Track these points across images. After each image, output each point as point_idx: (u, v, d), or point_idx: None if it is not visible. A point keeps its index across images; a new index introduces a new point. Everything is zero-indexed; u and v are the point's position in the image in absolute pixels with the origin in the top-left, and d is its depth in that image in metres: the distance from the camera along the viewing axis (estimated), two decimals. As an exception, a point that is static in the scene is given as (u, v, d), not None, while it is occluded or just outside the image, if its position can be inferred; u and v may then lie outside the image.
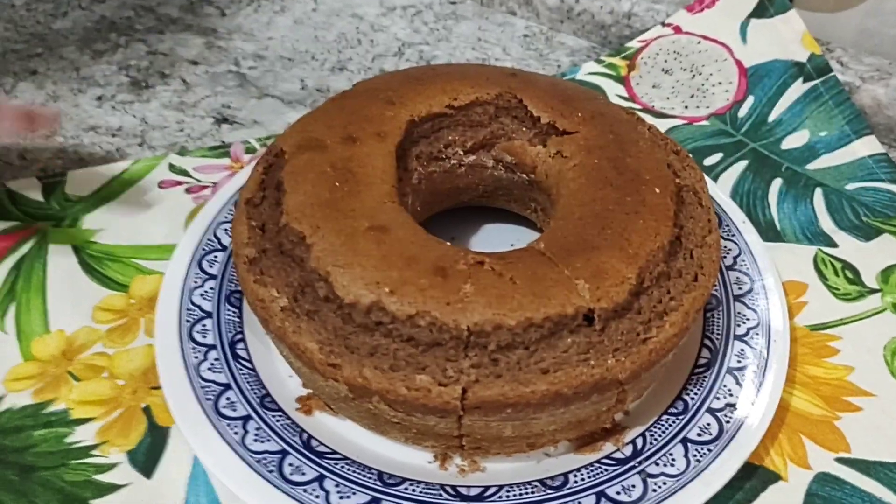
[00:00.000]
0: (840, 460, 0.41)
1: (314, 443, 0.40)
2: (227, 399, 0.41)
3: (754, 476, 0.40)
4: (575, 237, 0.39)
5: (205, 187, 0.55)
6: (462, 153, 0.47)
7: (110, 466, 0.41)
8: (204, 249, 0.48)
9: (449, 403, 0.35)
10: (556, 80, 0.49)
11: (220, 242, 0.48)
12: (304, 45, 0.69)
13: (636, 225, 0.39)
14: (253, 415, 0.41)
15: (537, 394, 0.35)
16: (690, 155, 0.45)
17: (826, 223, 0.51)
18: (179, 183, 0.55)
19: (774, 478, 0.40)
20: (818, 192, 0.53)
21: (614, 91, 0.61)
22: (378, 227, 0.39)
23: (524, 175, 0.47)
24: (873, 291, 0.48)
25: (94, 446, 0.42)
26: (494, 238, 0.51)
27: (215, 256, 0.48)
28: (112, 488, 0.40)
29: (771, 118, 0.58)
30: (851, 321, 0.46)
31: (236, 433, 0.40)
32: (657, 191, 0.41)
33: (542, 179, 0.45)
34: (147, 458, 0.41)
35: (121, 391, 0.44)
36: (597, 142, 0.44)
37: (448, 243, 0.39)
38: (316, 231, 0.38)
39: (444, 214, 0.51)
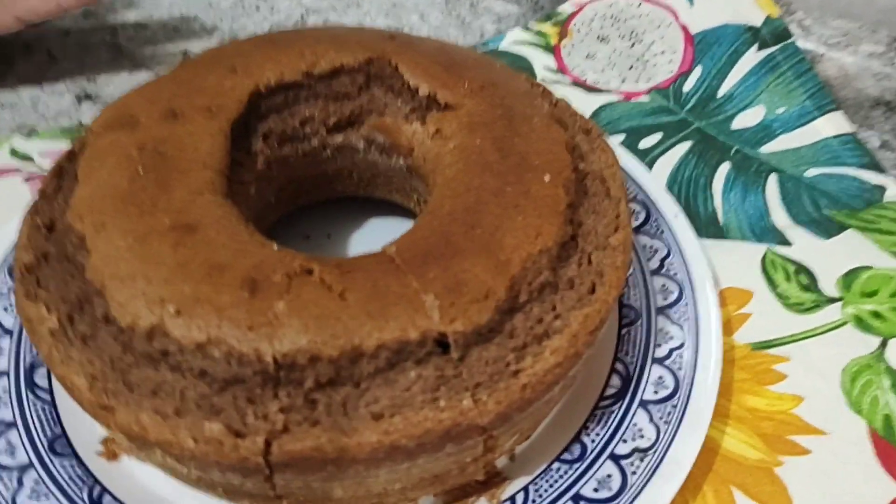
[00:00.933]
0: (779, 519, 0.32)
1: (106, 500, 0.31)
2: (7, 442, 0.33)
3: (668, 541, 0.31)
4: (437, 238, 0.30)
5: (45, 176, 0.46)
6: (325, 132, 0.38)
7: None
8: (16, 251, 0.39)
9: (248, 460, 0.26)
10: (445, 43, 0.40)
11: (38, 243, 0.39)
12: (196, 11, 0.60)
13: (513, 223, 0.30)
14: (35, 462, 0.32)
15: (365, 447, 0.26)
16: (607, 134, 0.37)
17: (779, 217, 0.43)
18: (18, 171, 0.47)
19: (694, 543, 0.31)
20: (772, 179, 0.44)
21: (542, 62, 0.52)
22: (182, 227, 0.30)
23: (401, 159, 0.38)
24: (832, 301, 0.39)
25: None
26: (380, 236, 0.42)
27: (30, 260, 0.39)
28: None
29: (720, 93, 0.49)
30: (803, 338, 0.38)
31: (6, 489, 0.31)
32: (546, 178, 0.32)
33: (419, 164, 0.37)
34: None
35: None
36: (482, 118, 0.35)
37: (275, 246, 0.30)
38: (99, 231, 0.30)
39: (320, 208, 0.42)
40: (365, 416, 0.27)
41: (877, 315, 0.38)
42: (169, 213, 0.31)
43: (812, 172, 0.45)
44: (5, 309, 0.37)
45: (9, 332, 0.37)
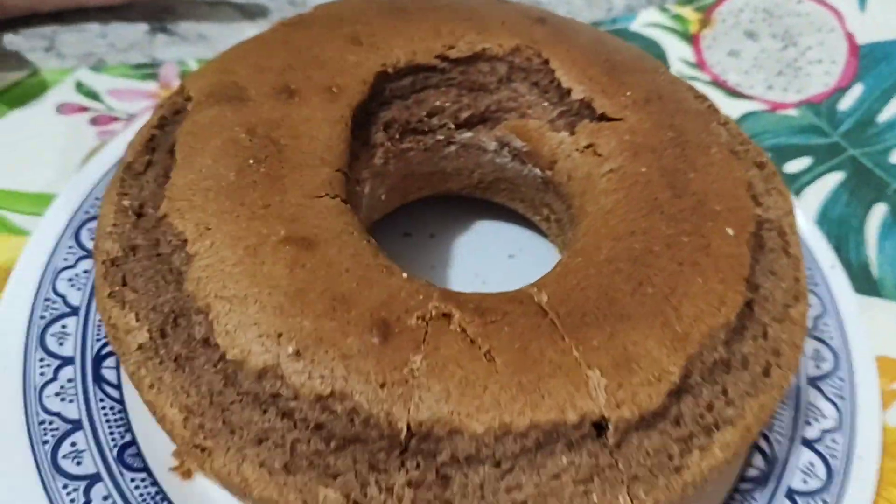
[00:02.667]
0: None
1: (181, 530, 0.28)
2: (73, 445, 0.29)
3: None
4: (597, 292, 0.26)
5: (116, 119, 0.41)
6: (453, 127, 0.33)
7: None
8: (86, 213, 0.35)
9: (364, 539, 0.22)
10: (603, 35, 0.34)
11: (113, 205, 0.35)
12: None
13: (691, 286, 0.26)
14: (104, 473, 0.29)
15: (503, 541, 0.22)
16: (777, 170, 0.31)
17: (942, 276, 0.38)
18: (84, 109, 0.42)
19: None
20: (936, 229, 0.39)
21: (677, 53, 0.46)
22: (299, 240, 0.26)
23: (538, 170, 0.33)
24: None
25: None
26: (487, 242, 0.38)
27: (101, 225, 0.35)
28: None
29: (882, 118, 0.43)
30: (963, 427, 0.33)
31: (73, 501, 0.27)
32: (730, 232, 0.27)
33: (562, 181, 0.32)
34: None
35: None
36: (649, 139, 0.30)
37: (404, 274, 0.26)
38: (203, 234, 0.25)
39: (422, 201, 0.37)
40: (506, 502, 0.23)
41: None
42: (283, 221, 0.26)
43: (982, 226, 0.39)
44: (71, 282, 0.33)
45: (75, 311, 0.32)
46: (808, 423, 0.31)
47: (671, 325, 0.25)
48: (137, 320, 0.25)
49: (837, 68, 0.45)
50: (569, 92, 0.32)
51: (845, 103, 0.44)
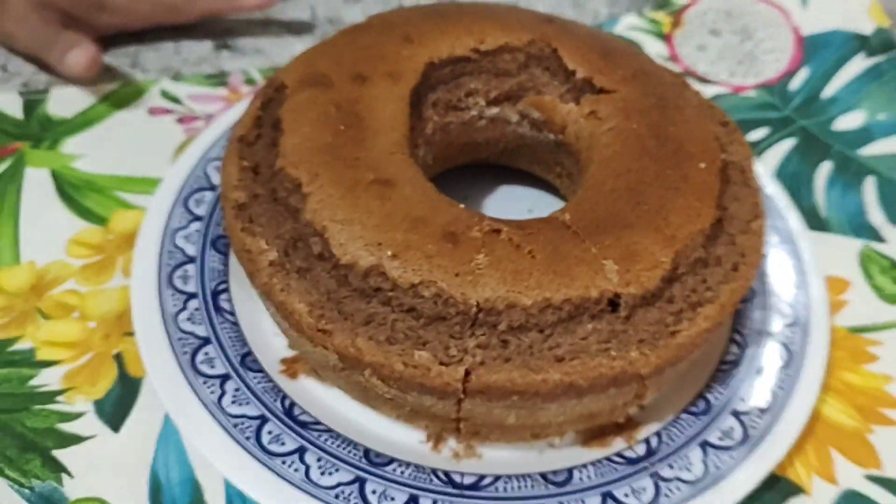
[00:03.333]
0: (870, 478, 0.37)
1: (297, 410, 0.36)
2: (206, 354, 0.37)
3: (775, 488, 0.36)
4: (605, 211, 0.35)
5: (197, 118, 0.50)
6: (484, 104, 0.42)
7: (76, 416, 0.38)
8: (192, 187, 0.44)
9: (450, 385, 0.31)
10: (597, 31, 0.44)
11: (209, 181, 0.44)
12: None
13: (675, 203, 0.35)
14: (232, 374, 0.37)
15: (549, 383, 0.31)
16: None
17: (876, 216, 0.47)
18: (170, 111, 0.50)
19: (796, 491, 0.36)
20: (870, 180, 0.49)
21: (655, 50, 0.56)
22: (383, 181, 0.34)
23: (551, 135, 0.42)
24: (921, 294, 0.43)
25: (60, 392, 0.38)
26: (511, 202, 0.46)
27: (203, 196, 0.43)
28: (76, 439, 0.37)
29: (824, 94, 0.53)
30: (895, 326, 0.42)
31: (213, 392, 0.36)
32: (702, 166, 0.36)
33: (571, 142, 0.41)
34: (115, 409, 0.38)
35: (91, 334, 0.40)
36: (637, 104, 0.39)
37: (461, 205, 0.35)
38: (314, 179, 0.34)
39: (456, 171, 0.46)
40: (549, 358, 0.31)
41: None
42: (369, 169, 0.35)
43: (907, 177, 0.49)
44: (186, 238, 0.42)
45: (192, 259, 0.41)
46: (773, 321, 0.40)
47: (662, 230, 0.34)
48: (267, 244, 0.34)
49: (786, 56, 0.55)
50: (574, 73, 0.41)
51: (794, 84, 0.54)
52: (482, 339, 0.31)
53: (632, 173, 0.36)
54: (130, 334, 0.39)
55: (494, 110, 0.42)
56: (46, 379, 0.39)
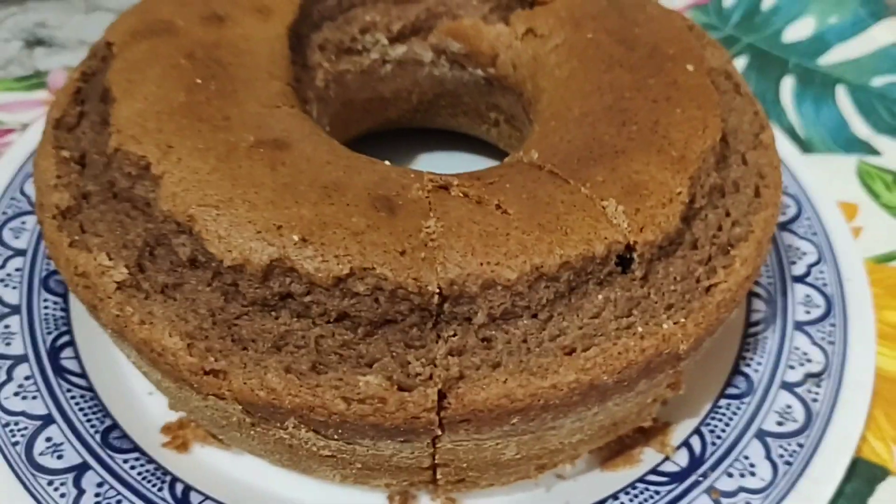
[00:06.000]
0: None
1: (194, 498, 0.25)
2: (48, 440, 0.25)
3: (854, 475, 0.27)
4: (582, 140, 0.25)
5: (10, 131, 0.38)
6: (386, 42, 0.32)
7: None
8: (6, 214, 0.31)
9: (419, 418, 0.21)
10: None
11: (30, 202, 0.32)
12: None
13: (672, 116, 0.26)
14: (91, 461, 0.25)
15: (561, 388, 0.21)
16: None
17: (859, 127, 0.40)
18: (-29, 126, 0.38)
19: (880, 473, 0.28)
20: (840, 90, 0.42)
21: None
22: (271, 142, 0.24)
23: (479, 70, 0.33)
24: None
25: None
26: (434, 168, 0.36)
27: (23, 222, 0.31)
28: None
29: (765, 5, 0.46)
30: (922, 245, 0.35)
31: (64, 496, 0.24)
32: (690, 68, 0.28)
33: (507, 73, 0.31)
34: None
35: None
36: (585, 10, 0.30)
37: (387, 162, 0.25)
38: (167, 153, 0.23)
39: (366, 142, 0.36)
40: (554, 351, 0.22)
41: None
42: (248, 128, 0.24)
43: (878, 81, 0.42)
44: (3, 281, 0.29)
45: (15, 309, 0.29)
46: (793, 263, 0.32)
47: (666, 150, 0.25)
48: (110, 259, 0.23)
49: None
50: (497, -15, 0.32)
51: (729, 0, 0.47)
52: (455, 340, 0.21)
53: (603, 91, 0.27)
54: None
55: (401, 49, 0.33)
56: None
